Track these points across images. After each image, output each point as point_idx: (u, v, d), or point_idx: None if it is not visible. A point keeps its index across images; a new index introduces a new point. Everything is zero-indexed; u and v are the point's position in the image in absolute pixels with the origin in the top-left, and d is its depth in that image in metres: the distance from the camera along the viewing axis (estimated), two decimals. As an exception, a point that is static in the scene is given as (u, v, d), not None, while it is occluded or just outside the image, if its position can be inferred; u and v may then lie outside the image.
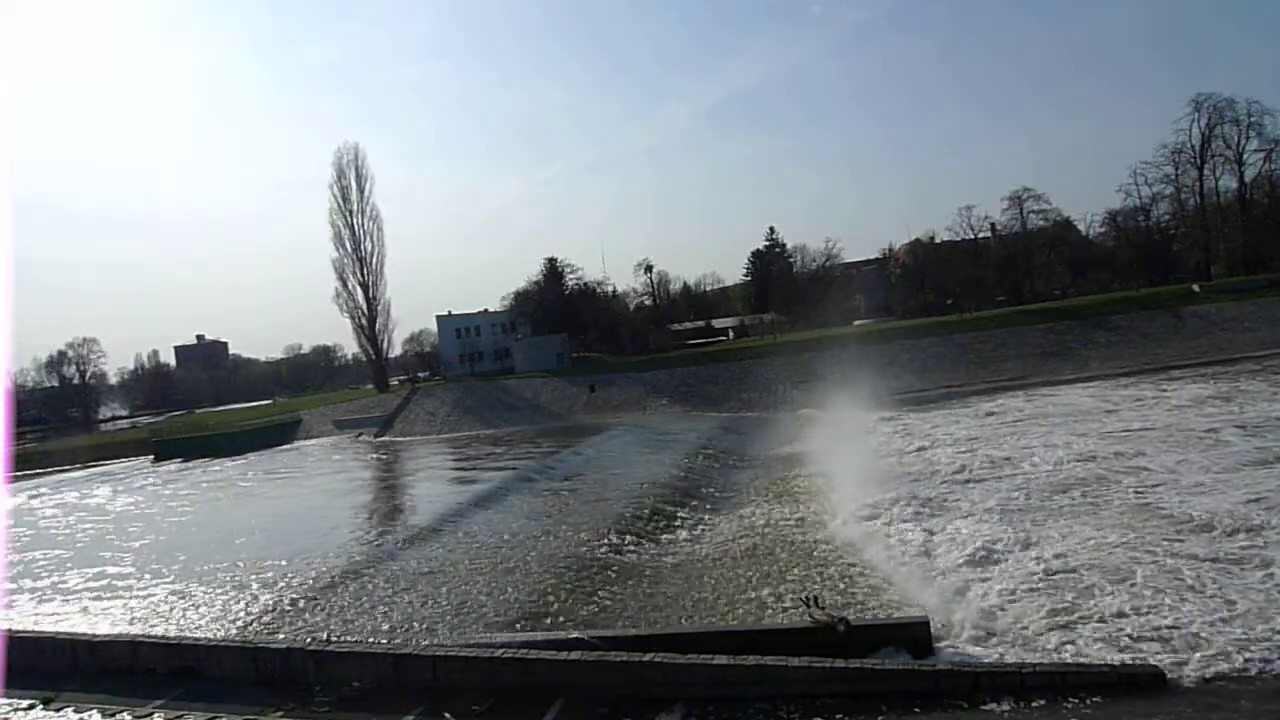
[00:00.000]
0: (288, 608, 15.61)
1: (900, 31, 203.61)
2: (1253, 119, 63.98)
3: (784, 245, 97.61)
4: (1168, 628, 10.34)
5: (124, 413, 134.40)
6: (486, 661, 10.53)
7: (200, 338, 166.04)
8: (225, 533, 26.00)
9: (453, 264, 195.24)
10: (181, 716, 10.63)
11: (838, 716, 8.85)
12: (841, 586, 14.09)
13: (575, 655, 10.41)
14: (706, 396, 52.37)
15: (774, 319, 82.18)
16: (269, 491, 37.56)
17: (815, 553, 16.44)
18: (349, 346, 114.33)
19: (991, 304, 70.01)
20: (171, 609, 16.88)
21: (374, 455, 49.09)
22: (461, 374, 74.20)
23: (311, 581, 17.32)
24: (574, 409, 55.88)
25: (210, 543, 24.40)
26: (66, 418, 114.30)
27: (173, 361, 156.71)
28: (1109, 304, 54.98)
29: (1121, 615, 10.94)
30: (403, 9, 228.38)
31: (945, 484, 20.87)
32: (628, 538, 19.15)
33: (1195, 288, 55.99)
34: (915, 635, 10.61)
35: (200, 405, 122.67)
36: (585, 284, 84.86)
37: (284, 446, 59.46)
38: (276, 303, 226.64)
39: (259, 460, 51.91)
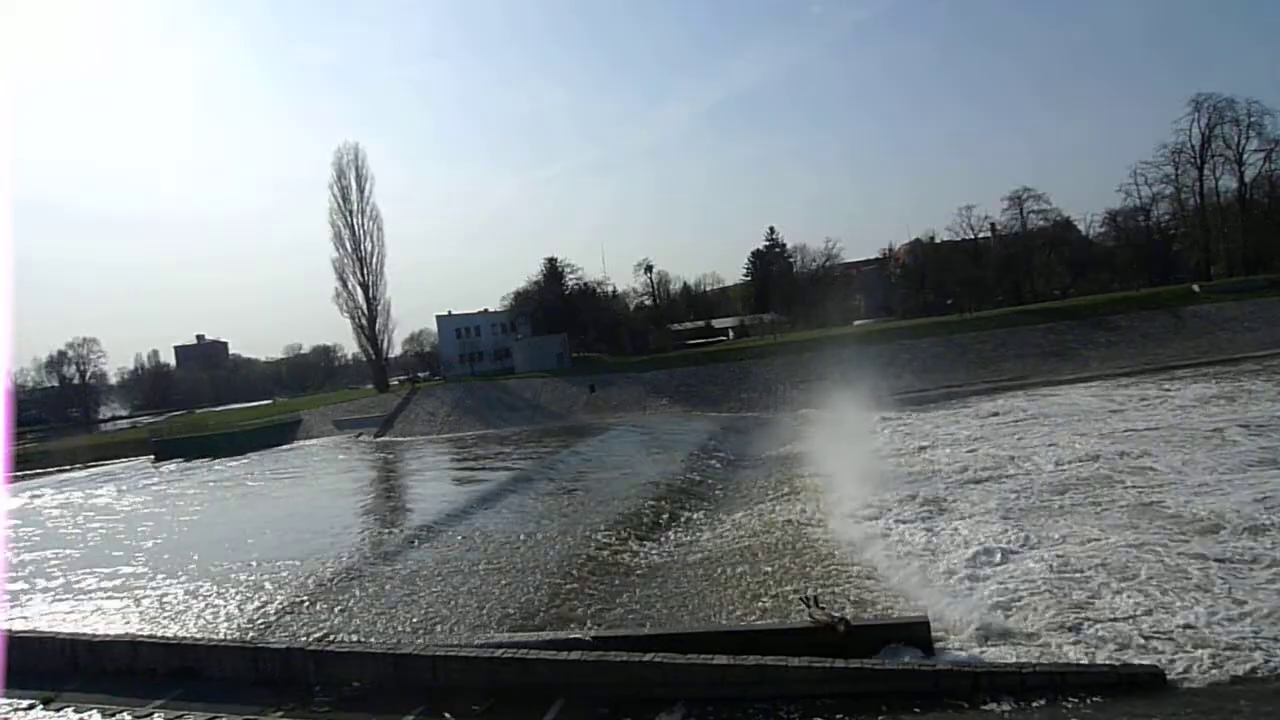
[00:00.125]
0: (304, 609, 15.64)
1: (900, 31, 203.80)
2: (1253, 119, 64.00)
3: (784, 245, 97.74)
4: (1178, 628, 10.32)
5: (124, 413, 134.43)
6: (486, 661, 10.53)
7: (200, 338, 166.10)
8: (236, 533, 26.08)
9: (453, 264, 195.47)
10: (181, 716, 10.63)
11: (838, 716, 8.85)
12: (841, 587, 14.05)
13: (575, 655, 10.41)
14: (706, 396, 52.36)
15: (774, 319, 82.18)
16: (276, 491, 37.60)
17: (816, 553, 16.39)
18: (349, 346, 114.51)
19: (991, 304, 69.95)
20: (186, 609, 16.91)
21: (376, 455, 49.12)
22: (461, 374, 74.21)
23: (327, 582, 17.31)
24: (574, 409, 55.87)
25: (222, 542, 24.45)
26: (66, 418, 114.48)
27: (173, 361, 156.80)
28: (1109, 304, 54.97)
29: (1128, 615, 10.92)
30: (403, 9, 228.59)
31: (947, 484, 20.86)
32: (631, 537, 19.19)
33: (1195, 288, 55.97)
34: (915, 635, 10.59)
35: (200, 405, 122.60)
36: (585, 284, 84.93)
37: (284, 447, 59.45)
38: (276, 303, 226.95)
39: (261, 460, 51.92)
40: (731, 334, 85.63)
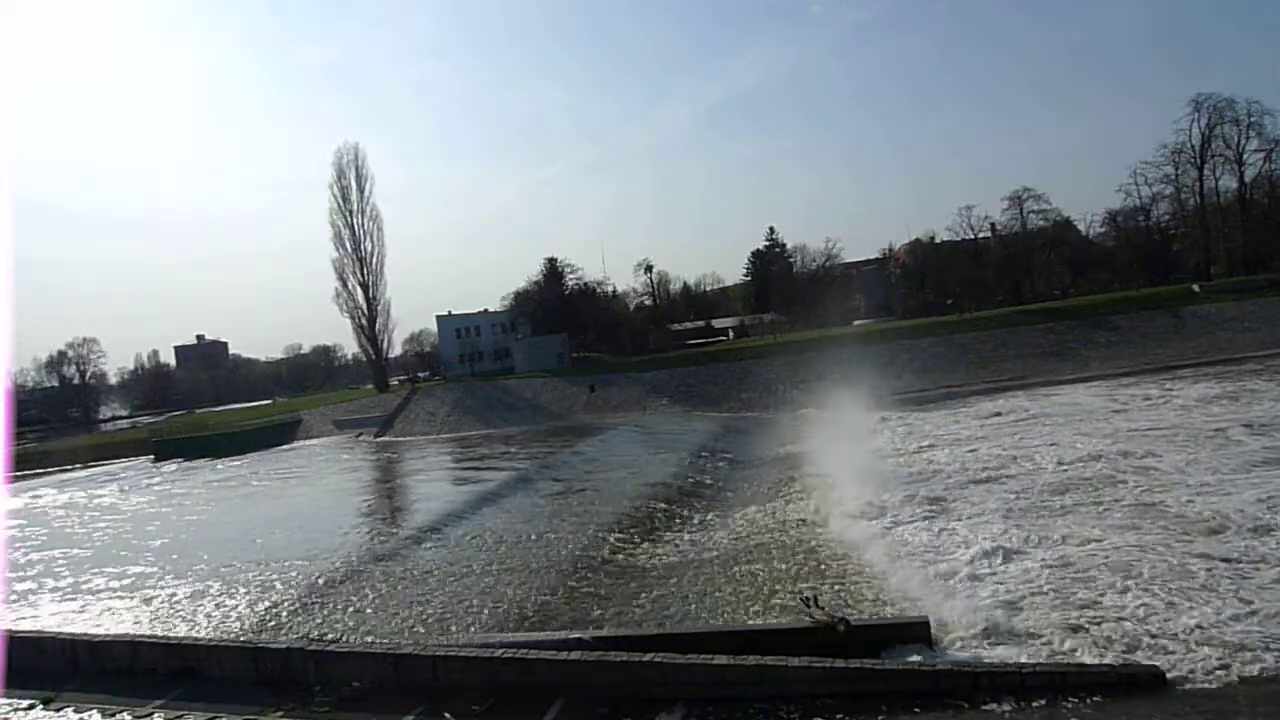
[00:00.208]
0: (316, 609, 15.63)
1: (900, 31, 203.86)
2: (1253, 119, 64.02)
3: (784, 245, 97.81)
4: (1186, 628, 10.28)
5: (124, 413, 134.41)
6: (486, 661, 10.53)
7: (200, 338, 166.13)
8: (243, 532, 26.15)
9: (453, 264, 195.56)
10: (181, 716, 10.62)
11: (838, 716, 8.84)
12: (842, 586, 14.04)
13: (575, 655, 10.41)
14: (706, 396, 52.36)
15: (774, 319, 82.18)
16: (280, 491, 37.63)
17: (817, 553, 16.39)
18: (349, 346, 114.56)
19: (991, 304, 69.94)
20: (198, 608, 16.91)
21: (377, 455, 49.13)
22: (461, 374, 74.21)
23: (338, 582, 17.29)
24: (574, 409, 55.87)
25: (230, 541, 24.49)
26: (66, 418, 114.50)
27: (173, 361, 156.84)
28: (1109, 304, 54.95)
29: (1134, 616, 10.88)
30: (403, 9, 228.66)
31: (948, 484, 20.82)
32: (642, 538, 19.24)
33: (1195, 288, 55.95)
34: (915, 635, 10.60)
35: (200, 405, 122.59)
36: (585, 284, 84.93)
37: (284, 447, 59.44)
38: (276, 303, 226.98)
39: (262, 460, 51.90)
40: (731, 334, 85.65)
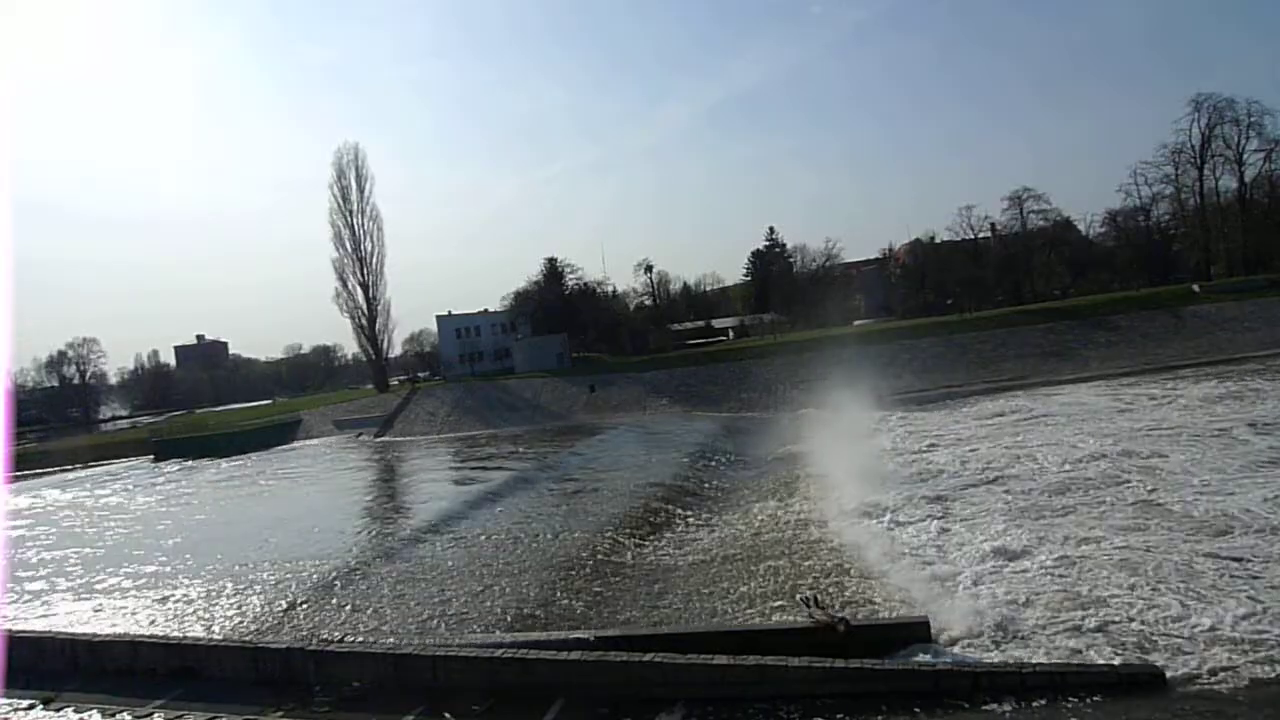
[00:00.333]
0: (331, 607, 15.64)
1: (900, 31, 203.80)
2: (1253, 119, 63.96)
3: (784, 245, 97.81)
4: (1195, 628, 10.28)
5: (124, 413, 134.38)
6: (486, 661, 10.53)
7: (200, 338, 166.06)
8: (253, 530, 26.20)
9: (453, 264, 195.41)
10: (181, 716, 10.62)
11: (838, 716, 8.84)
12: (842, 586, 14.04)
13: (575, 655, 10.42)
14: (706, 396, 52.35)
15: (774, 319, 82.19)
16: (285, 490, 37.63)
17: (817, 553, 16.38)
18: (349, 346, 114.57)
19: (991, 304, 69.94)
20: (213, 606, 16.92)
21: (379, 455, 49.10)
22: (461, 374, 74.21)
23: (351, 581, 17.27)
24: (574, 409, 55.86)
25: (241, 540, 24.55)
26: (66, 418, 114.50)
27: (173, 361, 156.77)
28: (1109, 304, 54.93)
29: (1138, 615, 10.87)
30: (403, 9, 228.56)
31: (949, 484, 20.82)
32: (652, 536, 19.24)
33: (1195, 288, 55.93)
34: (915, 635, 10.61)
35: (200, 405, 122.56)
36: (585, 284, 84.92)
37: (284, 447, 59.42)
38: (276, 303, 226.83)
39: (264, 460, 51.89)
40: (731, 334, 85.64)
